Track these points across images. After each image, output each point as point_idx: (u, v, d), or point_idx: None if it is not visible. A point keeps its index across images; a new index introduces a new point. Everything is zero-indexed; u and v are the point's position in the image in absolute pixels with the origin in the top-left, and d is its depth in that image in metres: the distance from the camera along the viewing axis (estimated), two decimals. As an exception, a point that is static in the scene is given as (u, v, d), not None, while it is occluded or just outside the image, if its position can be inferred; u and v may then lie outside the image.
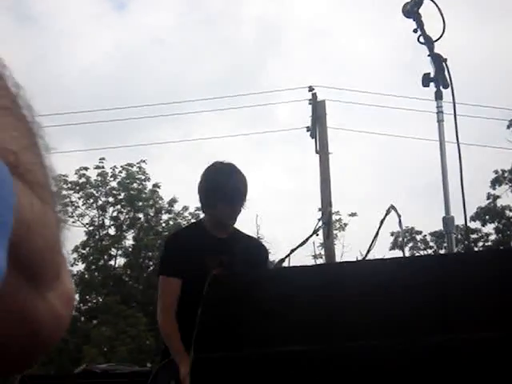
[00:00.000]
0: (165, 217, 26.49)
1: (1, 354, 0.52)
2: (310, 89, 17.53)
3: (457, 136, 3.03)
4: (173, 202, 26.34)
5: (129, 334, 21.66)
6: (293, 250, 4.13)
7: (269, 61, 41.22)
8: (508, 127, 27.06)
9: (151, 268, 25.68)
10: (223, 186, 4.15)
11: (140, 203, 25.86)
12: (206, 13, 39.27)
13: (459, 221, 3.32)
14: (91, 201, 26.03)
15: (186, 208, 26.39)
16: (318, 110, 15.48)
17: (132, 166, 25.94)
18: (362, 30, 44.15)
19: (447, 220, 2.96)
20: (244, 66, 40.25)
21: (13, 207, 0.46)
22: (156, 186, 26.17)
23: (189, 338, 3.67)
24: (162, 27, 40.46)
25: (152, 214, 26.25)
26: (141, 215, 26.21)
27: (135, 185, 26.06)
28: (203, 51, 40.20)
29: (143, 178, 26.15)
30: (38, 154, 0.55)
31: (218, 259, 4.14)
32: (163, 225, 26.24)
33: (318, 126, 15.08)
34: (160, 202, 26.38)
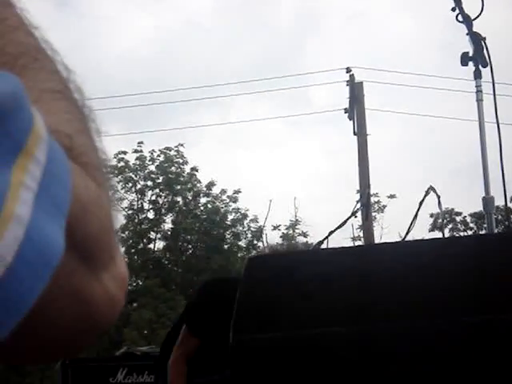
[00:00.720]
0: (203, 200, 26.54)
1: (56, 335, 0.52)
2: (348, 70, 17.40)
3: (496, 115, 3.00)
4: (211, 185, 26.36)
5: (169, 317, 21.76)
6: (331, 232, 3.93)
7: (307, 43, 40.93)
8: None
9: (190, 251, 25.78)
10: None
11: (178, 187, 25.91)
12: (242, -5, 39.18)
13: (499, 201, 3.29)
14: (130, 185, 26.14)
15: (224, 191, 26.42)
16: (356, 91, 15.40)
17: (170, 150, 25.98)
18: (399, 10, 43.70)
19: (487, 200, 2.94)
20: (282, 49, 40.06)
21: (69, 189, 0.47)
22: (194, 169, 26.20)
23: None
24: (199, 10, 40.40)
25: (190, 198, 26.30)
26: (179, 199, 26.27)
27: (173, 168, 26.11)
28: (241, 35, 40.11)
29: (181, 161, 26.19)
30: (91, 136, 0.55)
31: None
32: (201, 208, 26.30)
33: (355, 108, 14.99)
34: (198, 185, 26.41)
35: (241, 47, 40.23)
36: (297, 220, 25.06)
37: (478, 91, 3.00)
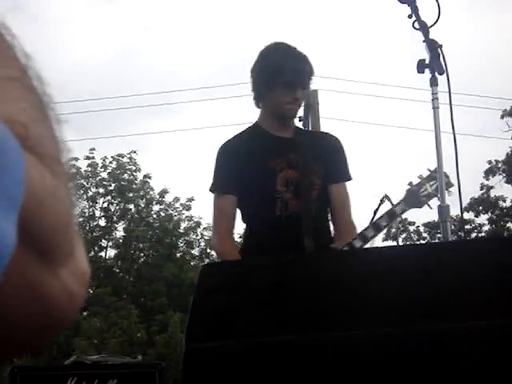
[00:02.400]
0: (156, 208, 26.46)
1: (11, 332, 0.50)
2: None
3: (452, 122, 3.00)
4: (164, 192, 26.29)
5: (120, 326, 21.63)
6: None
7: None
8: (502, 117, 27.11)
9: (142, 259, 25.66)
10: (282, 65, 3.57)
11: (131, 194, 25.80)
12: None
13: (454, 211, 3.29)
14: (81, 192, 25.95)
15: (177, 199, 26.36)
16: (311, 99, 15.48)
17: (123, 157, 25.86)
18: (355, 18, 44.16)
19: (442, 208, 2.94)
20: (239, 57, 40.19)
21: (22, 180, 0.44)
22: (147, 176, 26.11)
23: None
24: (156, 18, 40.37)
25: (143, 205, 26.21)
26: (131, 206, 26.16)
27: (126, 176, 25.99)
28: (196, 42, 40.12)
29: (134, 168, 26.09)
30: (49, 126, 0.52)
31: (285, 160, 3.62)
32: (154, 216, 26.20)
33: (310, 116, 15.06)
34: (151, 192, 26.33)
35: (196, 55, 40.26)
36: (250, 229, 25.09)
37: (434, 99, 3.00)
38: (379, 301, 2.12)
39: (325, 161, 3.68)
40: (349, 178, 3.77)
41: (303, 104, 3.83)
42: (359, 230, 3.60)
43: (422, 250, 2.51)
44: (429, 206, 3.61)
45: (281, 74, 3.55)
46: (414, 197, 3.66)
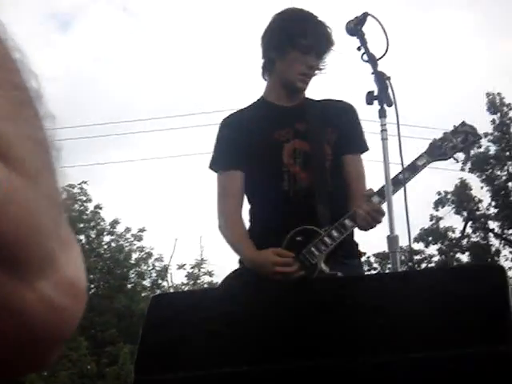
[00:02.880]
0: (107, 238, 26.21)
1: None
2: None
3: (401, 154, 3.03)
4: (115, 223, 26.06)
5: (69, 358, 21.30)
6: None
7: (219, 83, 41.29)
8: (450, 149, 27.46)
9: (92, 291, 25.37)
10: (296, 27, 3.27)
11: (81, 225, 25.53)
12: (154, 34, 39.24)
13: (403, 242, 3.31)
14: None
15: (128, 229, 26.14)
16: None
17: (73, 187, 25.63)
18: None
19: (391, 239, 2.96)
20: (194, 89, 40.26)
21: None
22: (98, 207, 25.88)
23: (270, 242, 3.20)
24: (109, 47, 40.29)
25: (93, 236, 25.94)
26: (82, 237, 25.87)
27: (76, 206, 25.74)
28: (151, 73, 40.10)
29: (85, 199, 25.85)
30: (24, 124, 0.49)
31: (291, 130, 3.35)
32: (105, 247, 25.95)
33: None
34: (102, 223, 26.09)
35: (151, 86, 40.21)
36: (202, 259, 24.97)
37: (383, 130, 3.03)
38: (328, 332, 2.12)
39: (337, 129, 3.42)
40: (365, 149, 3.53)
41: None
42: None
43: (370, 281, 2.52)
44: (455, 159, 3.49)
45: (296, 37, 3.26)
46: (438, 148, 3.49)
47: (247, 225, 3.44)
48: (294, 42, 3.27)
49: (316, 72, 3.40)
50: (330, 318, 2.14)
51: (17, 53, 0.52)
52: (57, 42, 40.82)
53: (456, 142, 3.54)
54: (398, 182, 3.33)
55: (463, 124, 3.56)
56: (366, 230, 3.28)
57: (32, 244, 0.47)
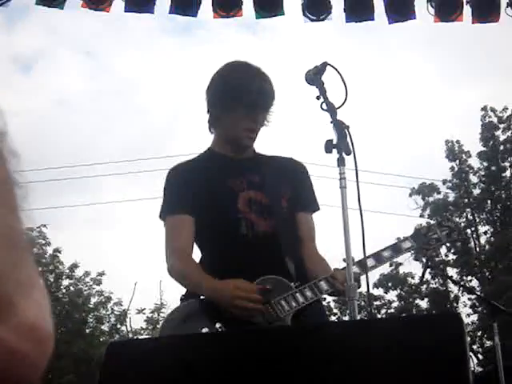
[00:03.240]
0: (65, 282, 25.93)
1: None
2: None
3: (359, 204, 3.04)
4: (74, 267, 25.82)
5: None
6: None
7: (177, 127, 41.44)
8: (410, 195, 27.75)
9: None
10: (241, 86, 3.23)
11: (40, 268, 25.24)
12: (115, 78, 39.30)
13: (362, 287, 3.31)
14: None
15: (87, 273, 25.90)
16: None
17: (32, 231, 25.38)
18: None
19: (349, 287, 2.96)
20: (154, 133, 40.30)
21: None
22: (57, 250, 25.65)
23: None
24: (71, 92, 40.26)
25: (52, 280, 25.65)
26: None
27: (35, 250, 25.47)
28: (112, 117, 40.11)
29: (44, 242, 25.61)
30: None
31: (245, 181, 3.29)
32: (63, 290, 25.67)
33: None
34: (60, 267, 25.83)
35: (113, 130, 40.17)
36: (162, 303, 24.77)
37: (342, 178, 3.05)
38: (286, 381, 2.11)
39: (292, 185, 3.40)
40: (317, 209, 3.51)
41: None
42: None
43: (328, 329, 2.52)
44: (435, 251, 3.56)
45: (241, 94, 3.23)
46: (424, 236, 3.54)
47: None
48: (239, 100, 3.24)
49: (261, 126, 3.39)
50: (288, 367, 2.13)
51: None
52: (18, 84, 40.70)
53: (440, 235, 3.62)
54: (380, 259, 3.38)
55: (448, 219, 3.68)
56: (341, 295, 3.24)
57: None
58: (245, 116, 3.28)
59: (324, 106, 3.14)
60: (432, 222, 3.72)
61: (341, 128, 3.07)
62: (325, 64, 3.21)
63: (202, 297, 3.17)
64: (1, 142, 0.52)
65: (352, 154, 3.04)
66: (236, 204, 3.26)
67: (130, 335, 24.94)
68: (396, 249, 3.49)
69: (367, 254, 3.18)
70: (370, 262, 3.35)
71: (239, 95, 3.24)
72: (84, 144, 39.12)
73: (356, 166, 3.04)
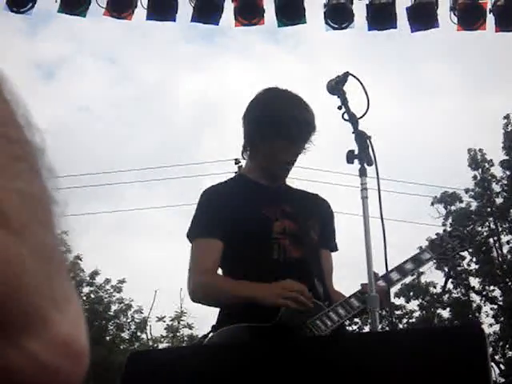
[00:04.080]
0: (86, 289, 26.03)
1: None
2: (237, 162, 17.79)
3: (381, 216, 3.03)
4: (94, 274, 25.93)
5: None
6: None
7: (202, 136, 41.56)
8: (432, 204, 27.62)
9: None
10: (284, 116, 3.19)
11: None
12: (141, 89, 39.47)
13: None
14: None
15: (108, 280, 26.01)
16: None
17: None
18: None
19: (371, 298, 2.95)
20: (177, 141, 40.42)
21: None
22: (77, 257, 25.76)
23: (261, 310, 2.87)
24: (94, 99, 40.47)
25: (73, 287, 25.76)
26: (61, 288, 25.70)
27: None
28: (137, 125, 40.29)
29: (64, 249, 25.71)
30: (15, 179, 0.48)
31: (279, 210, 3.26)
32: (84, 298, 25.76)
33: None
34: (81, 274, 25.93)
35: (136, 137, 40.34)
36: (182, 311, 24.83)
37: (363, 189, 3.04)
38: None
39: (319, 221, 3.40)
40: (336, 250, 3.53)
41: None
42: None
43: (351, 341, 2.51)
44: (453, 260, 3.63)
45: (284, 125, 3.18)
46: (439, 246, 3.60)
47: None
48: (281, 132, 3.20)
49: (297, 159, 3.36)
50: (309, 378, 2.13)
51: (18, 107, 0.52)
52: (40, 91, 40.98)
53: (454, 244, 3.67)
54: (404, 272, 3.41)
55: (456, 229, 3.73)
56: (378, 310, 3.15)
57: (14, 301, 0.45)
58: (285, 148, 3.25)
59: (346, 116, 3.13)
60: (442, 232, 3.76)
61: (362, 138, 3.07)
62: (346, 74, 3.20)
63: (241, 324, 3.03)
64: (38, 158, 0.52)
65: (374, 165, 3.04)
66: (271, 231, 3.22)
67: (150, 343, 24.99)
68: (417, 260, 3.51)
69: (390, 266, 3.18)
70: (395, 276, 3.38)
71: (280, 127, 3.19)
72: (107, 151, 39.37)
73: (378, 177, 3.03)
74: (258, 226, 3.20)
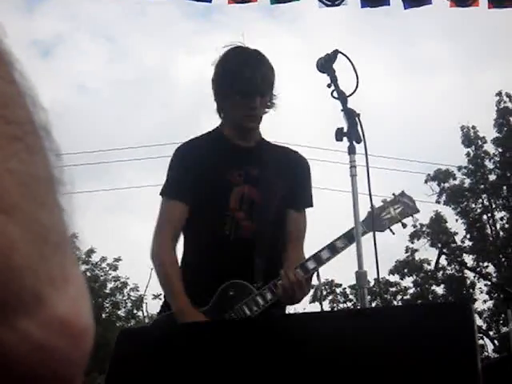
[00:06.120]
0: (82, 268, 25.98)
1: None
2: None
3: (369, 193, 3.05)
4: (90, 252, 25.96)
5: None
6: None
7: (201, 118, 41.45)
8: (425, 182, 27.66)
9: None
10: (235, 72, 3.30)
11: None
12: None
13: (376, 274, 3.32)
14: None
15: (103, 259, 26.05)
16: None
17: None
18: (284, 84, 44.79)
19: (360, 274, 2.97)
20: (176, 123, 40.29)
21: None
22: (73, 236, 25.72)
23: (201, 288, 3.12)
24: (89, 76, 40.26)
25: (68, 265, 25.81)
26: (56, 266, 25.73)
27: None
28: (135, 104, 40.12)
29: (69, 228, 25.77)
30: (10, 159, 0.48)
31: (243, 173, 3.34)
32: (80, 276, 25.81)
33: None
34: (77, 252, 25.89)
35: (133, 116, 40.21)
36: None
37: (352, 167, 3.05)
38: (295, 369, 2.11)
39: (288, 182, 3.41)
40: (310, 205, 3.51)
41: None
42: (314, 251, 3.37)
43: (337, 317, 2.52)
44: (391, 230, 3.51)
45: (234, 82, 3.29)
46: (376, 219, 3.44)
47: (181, 260, 3.38)
48: (232, 90, 3.30)
49: (264, 110, 3.42)
50: (299, 356, 2.14)
51: (25, 88, 0.52)
52: (37, 69, 40.77)
53: (394, 213, 3.58)
54: (335, 249, 3.35)
55: (402, 194, 3.60)
56: (288, 303, 3.31)
57: (4, 281, 0.45)
58: (241, 102, 3.31)
59: (335, 94, 3.14)
60: (388, 200, 3.58)
61: (351, 116, 3.07)
62: (336, 52, 3.21)
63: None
64: (41, 139, 0.52)
65: (362, 142, 3.05)
66: (228, 200, 3.31)
67: (147, 320, 25.05)
68: (349, 237, 3.34)
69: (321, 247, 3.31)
70: (325, 254, 3.35)
71: (233, 82, 3.29)
72: (103, 130, 39.25)
73: (366, 154, 3.04)
74: (217, 192, 3.29)
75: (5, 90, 0.51)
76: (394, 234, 3.51)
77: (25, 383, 0.47)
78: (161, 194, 3.39)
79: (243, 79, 3.27)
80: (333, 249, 3.35)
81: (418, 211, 3.54)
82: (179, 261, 3.34)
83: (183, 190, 3.31)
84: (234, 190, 3.32)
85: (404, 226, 3.47)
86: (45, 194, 0.50)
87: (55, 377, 0.48)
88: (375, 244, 3.13)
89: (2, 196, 0.46)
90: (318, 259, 3.31)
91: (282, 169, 3.40)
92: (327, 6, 7.23)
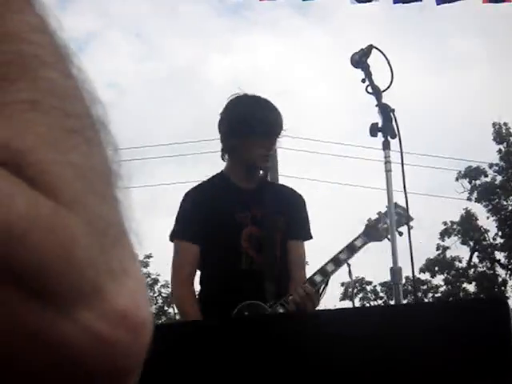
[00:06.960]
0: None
1: None
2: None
3: (404, 189, 3.03)
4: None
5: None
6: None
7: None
8: (456, 179, 27.49)
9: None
10: (255, 115, 3.50)
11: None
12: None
13: (408, 272, 3.30)
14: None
15: (134, 256, 26.18)
16: (270, 158, 15.62)
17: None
18: (312, 78, 44.73)
19: (394, 271, 2.95)
20: (209, 118, 40.38)
21: None
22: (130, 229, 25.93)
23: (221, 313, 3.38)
24: (125, 75, 40.45)
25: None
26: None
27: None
28: (168, 101, 40.26)
29: (128, 221, 25.98)
30: (70, 152, 0.49)
31: (249, 215, 3.58)
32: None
33: (269, 175, 15.17)
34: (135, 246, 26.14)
35: (164, 112, 40.36)
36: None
37: (387, 162, 3.04)
38: (329, 364, 2.11)
39: (287, 217, 3.63)
40: (309, 237, 3.73)
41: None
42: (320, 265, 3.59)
43: (371, 313, 2.51)
44: (388, 239, 3.59)
45: (254, 123, 3.47)
46: (374, 230, 3.63)
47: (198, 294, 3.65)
48: (254, 127, 3.46)
49: (272, 152, 3.67)
50: (329, 352, 2.14)
51: (83, 81, 0.53)
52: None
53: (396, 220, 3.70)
54: (339, 262, 3.56)
55: (396, 206, 3.69)
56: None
57: (65, 273, 0.45)
58: (260, 142, 3.51)
59: (369, 89, 3.13)
60: (382, 212, 3.75)
61: (386, 111, 3.06)
62: (370, 47, 3.19)
63: None
64: (99, 132, 0.53)
65: (397, 138, 3.03)
66: (240, 239, 3.54)
67: (177, 317, 25.15)
68: (351, 249, 3.60)
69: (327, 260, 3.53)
70: (330, 267, 3.56)
71: (254, 122, 3.47)
72: (135, 127, 39.40)
73: (401, 150, 3.03)
74: (230, 233, 3.51)
75: (63, 84, 0.51)
76: (389, 240, 3.63)
77: (86, 374, 0.47)
78: (172, 236, 3.61)
79: (263, 120, 3.47)
80: (337, 261, 3.57)
81: (411, 219, 3.61)
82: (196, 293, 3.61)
83: (195, 232, 3.51)
84: (243, 230, 3.55)
85: (400, 234, 3.55)
86: (104, 188, 0.51)
87: (115, 368, 0.47)
88: (410, 242, 3.12)
89: (63, 189, 0.47)
90: (324, 272, 3.52)
91: (280, 207, 3.62)
92: (359, 2, 7.22)
